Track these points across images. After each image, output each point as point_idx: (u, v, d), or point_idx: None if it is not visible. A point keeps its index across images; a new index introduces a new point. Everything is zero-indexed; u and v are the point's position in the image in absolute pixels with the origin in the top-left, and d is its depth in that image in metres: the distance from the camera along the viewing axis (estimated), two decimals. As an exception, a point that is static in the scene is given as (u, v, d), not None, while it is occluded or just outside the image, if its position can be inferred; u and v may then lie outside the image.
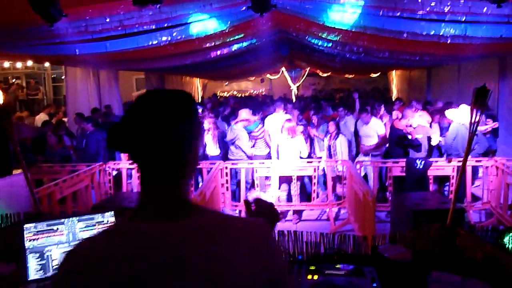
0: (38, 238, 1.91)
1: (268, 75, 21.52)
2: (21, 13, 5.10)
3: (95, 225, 1.99)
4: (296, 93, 19.51)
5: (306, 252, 2.17)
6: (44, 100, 17.97)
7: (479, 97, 2.10)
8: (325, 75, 21.26)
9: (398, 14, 5.68)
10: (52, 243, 1.96)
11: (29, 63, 11.63)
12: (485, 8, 5.20)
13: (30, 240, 1.88)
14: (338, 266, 1.84)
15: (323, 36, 7.52)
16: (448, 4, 5.27)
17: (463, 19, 5.60)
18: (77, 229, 2.00)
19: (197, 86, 18.53)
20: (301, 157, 6.80)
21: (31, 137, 7.47)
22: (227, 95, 21.22)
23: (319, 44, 8.38)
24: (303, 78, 20.38)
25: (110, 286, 0.89)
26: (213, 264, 0.91)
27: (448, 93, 11.76)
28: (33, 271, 1.88)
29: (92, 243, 0.97)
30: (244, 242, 0.96)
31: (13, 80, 18.49)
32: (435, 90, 14.09)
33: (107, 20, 5.93)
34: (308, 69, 19.33)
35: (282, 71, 19.55)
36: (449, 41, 6.27)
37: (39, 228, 1.93)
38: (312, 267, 1.83)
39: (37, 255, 1.91)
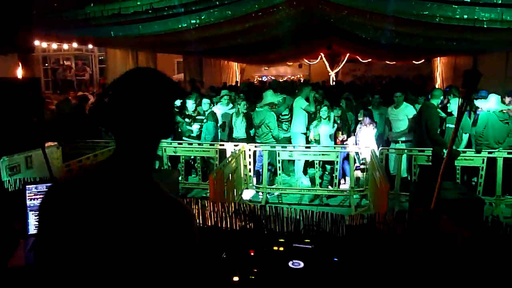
0: (38, 198, 2.13)
1: (306, 61, 21.27)
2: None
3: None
4: (334, 79, 19.19)
5: (286, 228, 2.25)
6: (90, 80, 18.85)
7: (469, 80, 2.05)
8: (365, 61, 20.71)
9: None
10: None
11: (75, 45, 12.23)
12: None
13: (31, 199, 2.11)
14: (307, 240, 1.91)
15: (355, 20, 7.36)
16: (482, -14, 5.02)
17: (500, 2, 5.31)
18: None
19: (235, 70, 18.69)
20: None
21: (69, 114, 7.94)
22: (266, 80, 21.24)
23: (352, 28, 8.19)
24: (342, 64, 19.96)
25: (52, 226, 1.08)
26: (118, 239, 1.02)
27: (496, 81, 11.13)
28: (33, 227, 2.12)
29: (58, 184, 1.16)
30: (165, 226, 1.04)
31: (63, 62, 19.50)
32: (482, 78, 13.38)
33: (138, 3, 6.16)
34: (347, 55, 18.91)
35: (321, 56, 19.26)
36: (485, 26, 5.96)
37: (39, 189, 2.15)
38: (281, 240, 1.91)
39: (37, 213, 2.12)
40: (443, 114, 6.99)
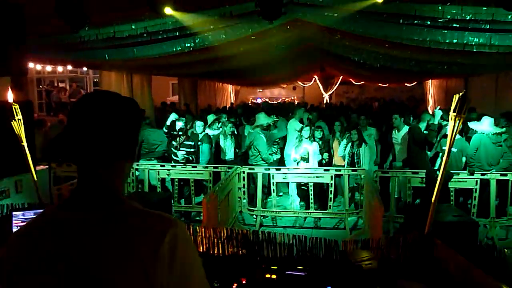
0: (25, 225, 2.08)
1: (300, 83, 21.50)
2: (55, 21, 5.45)
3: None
4: (327, 101, 19.37)
5: (279, 253, 2.21)
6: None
7: (459, 104, 2.07)
8: (358, 83, 20.97)
9: (419, 22, 5.59)
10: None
11: (69, 67, 12.32)
12: (510, 16, 5.02)
13: (17, 226, 2.06)
14: (300, 267, 1.87)
15: (347, 44, 7.49)
16: (470, 11, 5.13)
17: (487, 27, 5.42)
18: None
19: (229, 92, 18.83)
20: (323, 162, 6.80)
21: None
22: (260, 102, 21.36)
23: (345, 52, 8.33)
24: (336, 86, 20.19)
25: (20, 274, 1.02)
26: (95, 262, 0.98)
27: (486, 103, 11.29)
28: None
29: (22, 230, 1.11)
30: (146, 242, 1.00)
31: (57, 84, 19.56)
32: (472, 100, 13.54)
33: (133, 26, 6.22)
34: (341, 77, 19.16)
35: (315, 79, 19.48)
36: (475, 50, 6.08)
37: (26, 216, 2.10)
38: (274, 267, 1.87)
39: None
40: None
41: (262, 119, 7.19)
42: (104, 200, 1.08)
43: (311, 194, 6.74)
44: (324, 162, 7.26)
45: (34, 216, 2.15)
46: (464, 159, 6.67)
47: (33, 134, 4.94)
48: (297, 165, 6.98)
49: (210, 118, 8.49)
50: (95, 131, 1.06)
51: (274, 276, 1.79)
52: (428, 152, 6.78)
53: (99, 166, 1.09)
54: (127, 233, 1.01)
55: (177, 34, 6.49)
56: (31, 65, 10.26)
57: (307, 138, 6.95)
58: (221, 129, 7.72)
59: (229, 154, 7.42)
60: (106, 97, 1.13)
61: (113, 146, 1.09)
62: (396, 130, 7.39)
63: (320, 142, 7.24)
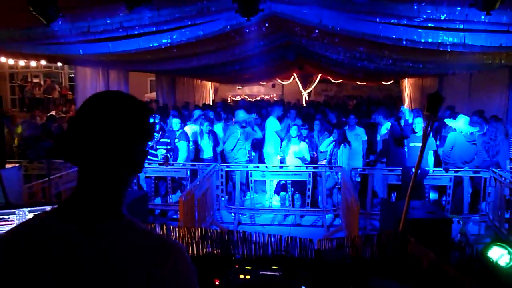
0: (-12, 227, 1.99)
1: (279, 80, 21.55)
2: (27, 14, 5.26)
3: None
4: (306, 99, 19.47)
5: (254, 253, 2.19)
6: (60, 98, 18.40)
7: (432, 103, 2.08)
8: (337, 81, 21.18)
9: (395, 21, 5.65)
10: (2, 231, 2.04)
11: (43, 62, 11.95)
12: (483, 16, 5.12)
13: (-21, 228, 1.97)
14: (275, 267, 1.85)
15: (324, 42, 7.52)
16: (445, 11, 5.22)
17: (461, 27, 5.53)
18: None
19: (208, 90, 18.69)
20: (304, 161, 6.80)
21: (35, 134, 7.66)
22: (239, 99, 21.32)
23: (322, 50, 8.37)
24: (314, 84, 20.33)
25: (10, 280, 0.93)
26: (101, 279, 0.92)
27: (460, 102, 11.57)
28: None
29: (10, 234, 1.01)
30: (142, 265, 0.93)
31: (31, 79, 19.01)
32: (447, 99, 13.88)
33: (108, 21, 6.07)
34: (319, 75, 19.29)
35: (294, 77, 19.56)
36: (449, 49, 6.20)
37: (-11, 217, 2.01)
38: (248, 267, 1.84)
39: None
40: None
41: (242, 115, 7.15)
42: (102, 212, 1.00)
43: (289, 192, 6.76)
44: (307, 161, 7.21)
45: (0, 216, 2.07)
46: (430, 152, 6.79)
47: (2, 130, 4.75)
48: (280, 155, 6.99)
49: (197, 113, 8.43)
50: (106, 135, 0.98)
51: (248, 277, 1.76)
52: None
53: (105, 174, 1.00)
54: (122, 252, 0.94)
55: (154, 29, 6.37)
56: (2, 59, 9.92)
57: (294, 138, 6.91)
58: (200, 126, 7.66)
59: (208, 153, 7.36)
60: (121, 99, 1.03)
61: (122, 154, 1.00)
62: (380, 126, 7.48)
63: (307, 140, 7.22)
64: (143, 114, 1.04)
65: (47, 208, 2.12)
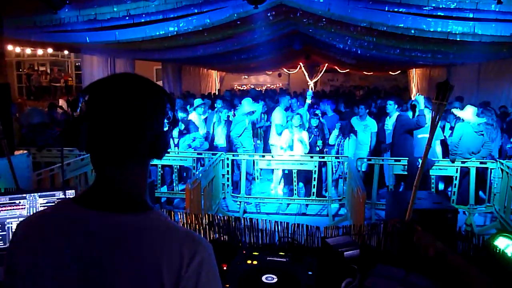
0: (0, 210, 2.02)
1: (285, 70, 21.43)
2: (34, 1, 5.27)
3: (55, 202, 2.08)
4: (313, 89, 19.38)
5: (262, 240, 2.21)
6: (67, 87, 18.48)
7: (441, 92, 2.07)
8: (343, 71, 21.02)
9: (404, 9, 5.59)
10: (13, 216, 2.08)
11: (50, 50, 11.98)
12: (493, 5, 5.06)
13: (-9, 212, 2.00)
14: (281, 253, 1.87)
15: (332, 31, 7.45)
16: (455, 0, 5.15)
17: (471, 16, 5.46)
18: (38, 204, 2.11)
19: (214, 79, 18.65)
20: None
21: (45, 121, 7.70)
22: (246, 89, 21.26)
23: (330, 38, 8.30)
24: (321, 74, 20.20)
25: (34, 265, 0.92)
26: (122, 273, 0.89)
27: (468, 92, 11.46)
28: (-9, 239, 2.00)
29: (33, 218, 0.99)
30: (158, 261, 0.89)
31: (37, 67, 19.08)
32: (455, 89, 13.72)
33: (115, 9, 6.06)
34: (326, 65, 19.15)
35: (300, 66, 19.44)
36: (458, 39, 6.13)
37: (2, 201, 2.04)
38: (255, 253, 1.87)
39: (-3, 228, 2.02)
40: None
41: (248, 105, 7.14)
42: (129, 202, 0.95)
43: (294, 181, 6.77)
44: (317, 149, 7.16)
45: (11, 201, 2.10)
46: (437, 143, 6.76)
47: (11, 117, 4.79)
48: (285, 151, 6.97)
49: (197, 101, 8.45)
50: (128, 118, 0.92)
51: (255, 262, 1.78)
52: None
53: (128, 161, 0.95)
54: (150, 246, 0.90)
55: (161, 17, 6.36)
56: (10, 47, 9.95)
57: (297, 127, 6.86)
58: (214, 114, 7.63)
59: (221, 140, 7.39)
60: (137, 81, 0.97)
61: (144, 139, 0.95)
62: (388, 117, 7.38)
63: (316, 130, 7.16)
64: (164, 96, 1.00)
65: (57, 193, 2.15)
